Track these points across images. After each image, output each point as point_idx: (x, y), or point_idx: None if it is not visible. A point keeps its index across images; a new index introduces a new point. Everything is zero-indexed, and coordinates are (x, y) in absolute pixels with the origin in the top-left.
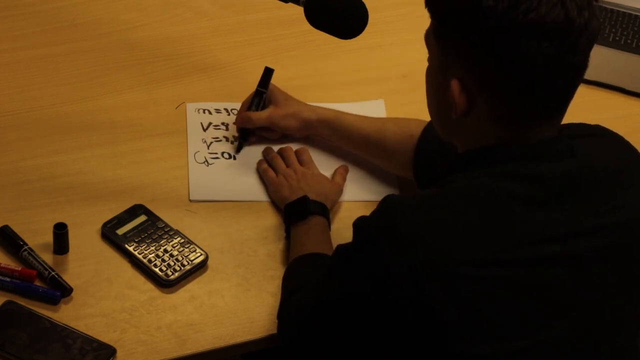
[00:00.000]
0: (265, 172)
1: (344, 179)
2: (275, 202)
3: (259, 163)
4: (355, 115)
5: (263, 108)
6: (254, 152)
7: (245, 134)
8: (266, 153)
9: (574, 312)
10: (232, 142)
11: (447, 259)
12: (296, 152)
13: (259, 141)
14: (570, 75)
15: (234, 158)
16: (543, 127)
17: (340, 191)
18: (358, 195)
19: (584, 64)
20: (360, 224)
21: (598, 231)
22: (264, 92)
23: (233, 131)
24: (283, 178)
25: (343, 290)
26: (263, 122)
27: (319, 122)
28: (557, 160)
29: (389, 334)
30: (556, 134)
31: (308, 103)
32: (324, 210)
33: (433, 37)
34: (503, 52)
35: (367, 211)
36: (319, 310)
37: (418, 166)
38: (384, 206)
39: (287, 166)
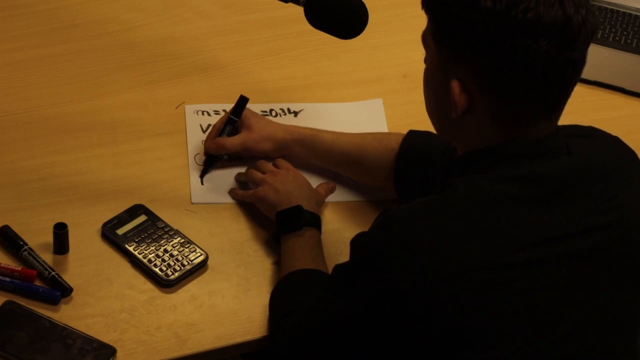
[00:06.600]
0: (244, 196)
1: (327, 193)
2: (268, 216)
3: (233, 191)
4: (333, 132)
5: (235, 134)
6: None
7: (212, 160)
8: (238, 178)
9: (577, 312)
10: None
11: (454, 265)
12: (273, 164)
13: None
14: (569, 72)
15: (230, 159)
16: (541, 124)
17: (321, 201)
18: (347, 196)
19: (582, 60)
20: (360, 241)
21: (600, 229)
22: (236, 121)
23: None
24: (266, 186)
25: (349, 309)
26: (237, 148)
27: (294, 142)
28: (553, 158)
29: (397, 346)
30: (554, 131)
31: (306, 101)
32: (316, 221)
33: (431, 38)
34: (502, 52)
35: (356, 211)
36: (319, 332)
37: (399, 178)
38: (383, 219)
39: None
